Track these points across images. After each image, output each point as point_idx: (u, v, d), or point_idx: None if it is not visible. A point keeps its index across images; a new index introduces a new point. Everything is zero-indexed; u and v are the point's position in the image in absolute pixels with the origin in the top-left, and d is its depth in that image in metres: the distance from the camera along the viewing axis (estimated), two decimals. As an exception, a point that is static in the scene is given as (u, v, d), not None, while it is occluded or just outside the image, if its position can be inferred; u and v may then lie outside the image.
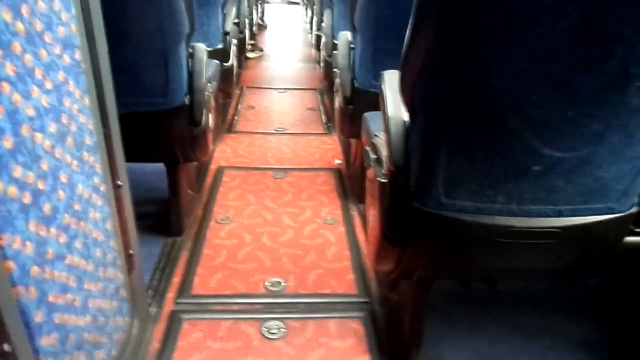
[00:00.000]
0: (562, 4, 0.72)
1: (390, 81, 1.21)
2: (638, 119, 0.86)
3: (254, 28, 5.48)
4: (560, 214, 1.07)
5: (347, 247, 2.01)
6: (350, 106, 2.21)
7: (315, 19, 4.77)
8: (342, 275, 1.84)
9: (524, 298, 1.74)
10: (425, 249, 1.22)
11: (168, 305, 1.64)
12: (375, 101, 1.35)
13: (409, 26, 0.93)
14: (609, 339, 1.58)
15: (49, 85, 0.84)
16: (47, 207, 0.83)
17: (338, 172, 2.67)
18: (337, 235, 2.09)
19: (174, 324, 1.56)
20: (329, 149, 2.98)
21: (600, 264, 1.30)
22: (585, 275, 1.50)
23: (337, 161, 2.80)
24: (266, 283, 1.77)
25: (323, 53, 3.66)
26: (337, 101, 2.39)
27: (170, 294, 1.69)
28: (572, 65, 0.79)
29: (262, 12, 6.83)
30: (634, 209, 1.12)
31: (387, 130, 1.17)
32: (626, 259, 1.30)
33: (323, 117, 3.55)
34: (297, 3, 9.71)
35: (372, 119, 1.67)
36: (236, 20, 3.38)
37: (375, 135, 1.47)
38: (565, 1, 0.72)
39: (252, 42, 5.24)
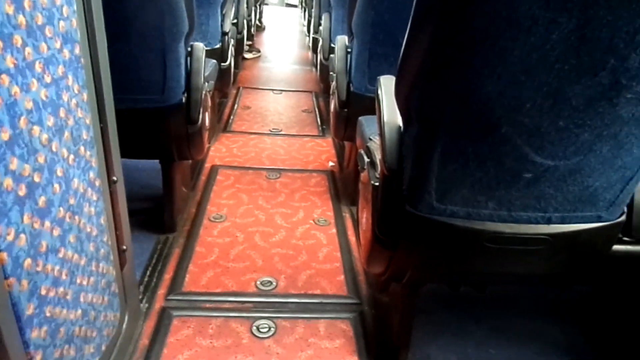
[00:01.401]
0: (556, 15, 0.74)
1: (387, 86, 1.22)
2: (627, 129, 0.88)
3: (252, 29, 5.49)
4: (549, 221, 1.09)
5: (338, 249, 2.02)
6: (345, 109, 2.23)
7: (312, 22, 4.79)
8: (332, 276, 1.85)
9: (512, 303, 1.76)
10: (416, 253, 1.23)
11: (159, 302, 1.65)
12: (370, 105, 1.36)
13: (407, 33, 0.95)
14: (594, 344, 1.61)
15: (48, 79, 0.85)
16: (42, 200, 0.84)
17: (331, 174, 2.68)
18: (329, 236, 2.10)
19: (164, 320, 1.56)
20: (323, 151, 2.99)
21: (588, 271, 1.32)
22: (573, 282, 1.52)
23: (331, 163, 2.82)
24: (257, 282, 1.78)
25: (320, 56, 3.68)
26: (333, 104, 2.40)
27: (161, 291, 1.70)
28: (565, 75, 0.81)
29: (261, 14, 6.85)
30: (622, 218, 1.14)
31: (381, 134, 1.18)
32: (613, 267, 1.33)
33: (318, 119, 3.57)
34: (295, 6, 9.74)
35: (367, 122, 1.69)
36: (235, 21, 3.39)
37: (370, 139, 1.49)
38: (559, 12, 0.74)
39: (250, 42, 5.25)
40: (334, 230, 2.14)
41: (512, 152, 0.95)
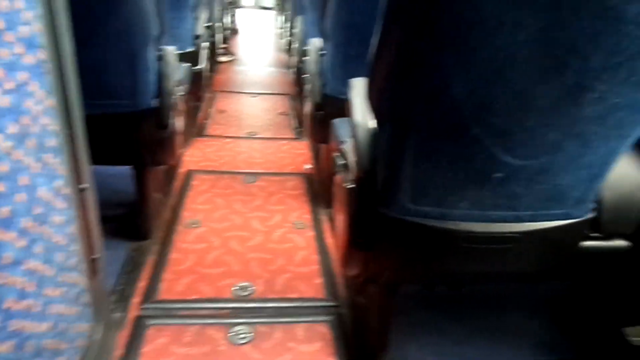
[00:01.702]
0: (520, 17, 0.75)
1: (358, 88, 1.23)
2: (593, 128, 0.91)
3: (226, 32, 5.45)
4: (520, 220, 1.11)
5: (316, 252, 2.01)
6: (320, 112, 2.23)
7: (287, 24, 4.79)
8: (310, 279, 1.84)
9: (489, 301, 1.78)
10: (392, 254, 1.24)
11: (133, 311, 1.61)
12: (344, 107, 1.37)
13: (376, 35, 0.95)
14: (569, 339, 1.64)
15: (9, 86, 0.82)
16: (4, 210, 0.81)
17: (308, 177, 2.68)
18: (306, 239, 2.09)
19: (138, 329, 1.53)
20: (300, 154, 2.98)
21: (559, 267, 1.35)
22: (546, 278, 1.55)
23: (307, 166, 2.82)
24: (234, 287, 1.76)
25: (294, 58, 3.68)
26: (308, 107, 2.40)
27: (136, 299, 1.66)
28: (531, 76, 0.82)
29: (235, 16, 6.81)
30: (589, 215, 1.17)
31: (354, 136, 1.18)
32: (585, 262, 1.36)
33: (294, 122, 3.56)
34: (270, 8, 9.71)
35: (340, 125, 1.69)
36: (208, 24, 3.36)
37: (344, 142, 1.49)
38: (523, 14, 0.75)
39: (224, 45, 5.21)
40: (312, 233, 2.14)
41: (482, 152, 0.96)
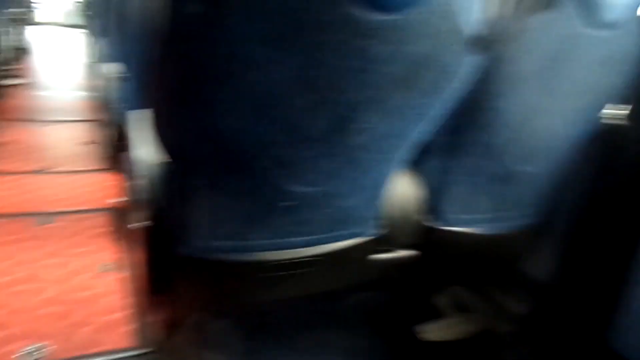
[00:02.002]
0: (281, 56, 0.78)
1: (140, 121, 1.16)
2: (362, 155, 0.99)
3: (17, 51, 4.78)
4: (314, 243, 1.16)
5: (126, 295, 1.84)
6: (120, 142, 2.06)
7: (93, 46, 4.40)
8: (118, 327, 1.67)
9: (302, 322, 1.82)
10: (193, 293, 1.19)
11: None
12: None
13: (155, 68, 0.90)
14: (379, 344, 1.76)
15: None
16: None
17: (116, 213, 2.45)
18: (113, 283, 1.90)
19: None
20: (105, 188, 2.72)
21: (360, 281, 1.45)
22: (351, 292, 1.65)
23: (114, 200, 2.58)
24: (20, 353, 1.50)
25: (99, 83, 3.38)
26: (109, 136, 2.21)
27: None
28: (298, 111, 0.86)
29: (28, 34, 6.02)
30: (378, 231, 1.27)
31: (144, 172, 1.11)
32: (381, 274, 1.48)
33: (99, 152, 3.24)
34: (78, 26, 8.86)
35: (133, 158, 1.58)
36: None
37: (137, 177, 1.39)
38: (284, 54, 0.78)
39: (13, 67, 4.55)
40: (120, 275, 1.95)
41: (268, 183, 0.97)
